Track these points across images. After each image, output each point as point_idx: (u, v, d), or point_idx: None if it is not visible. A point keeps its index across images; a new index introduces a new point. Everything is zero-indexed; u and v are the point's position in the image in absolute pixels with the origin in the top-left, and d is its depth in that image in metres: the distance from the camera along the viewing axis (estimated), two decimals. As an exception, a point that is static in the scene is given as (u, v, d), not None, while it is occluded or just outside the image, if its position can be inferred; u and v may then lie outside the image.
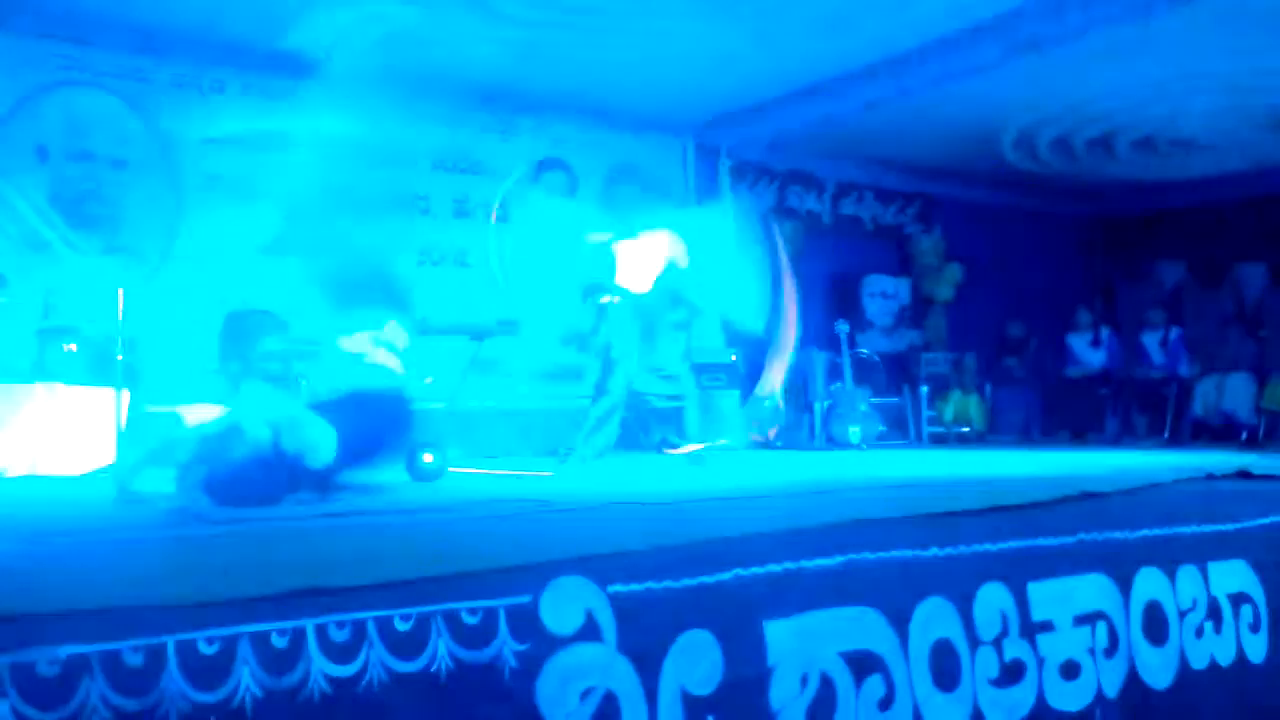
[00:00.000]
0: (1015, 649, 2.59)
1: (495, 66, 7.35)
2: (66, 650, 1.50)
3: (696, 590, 2.13)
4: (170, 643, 1.59)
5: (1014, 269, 10.27)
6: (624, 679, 1.98)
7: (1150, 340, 9.22)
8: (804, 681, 2.21)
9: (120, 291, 5.81)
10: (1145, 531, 3.04)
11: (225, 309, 6.84)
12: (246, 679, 1.63)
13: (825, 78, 7.64)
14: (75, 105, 6.53)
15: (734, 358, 7.99)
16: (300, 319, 6.95)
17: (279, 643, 1.67)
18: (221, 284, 6.89)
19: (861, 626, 2.35)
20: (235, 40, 6.78)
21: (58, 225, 6.39)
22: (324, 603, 1.73)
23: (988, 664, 2.53)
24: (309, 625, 1.69)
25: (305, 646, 1.68)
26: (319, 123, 7.08)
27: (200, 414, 3.98)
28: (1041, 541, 2.80)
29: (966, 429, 9.37)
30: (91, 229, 6.55)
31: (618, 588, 2.01)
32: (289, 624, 1.68)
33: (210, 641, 1.62)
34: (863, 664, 2.31)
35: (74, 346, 5.65)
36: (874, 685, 2.31)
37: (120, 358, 5.45)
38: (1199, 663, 2.98)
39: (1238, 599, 3.13)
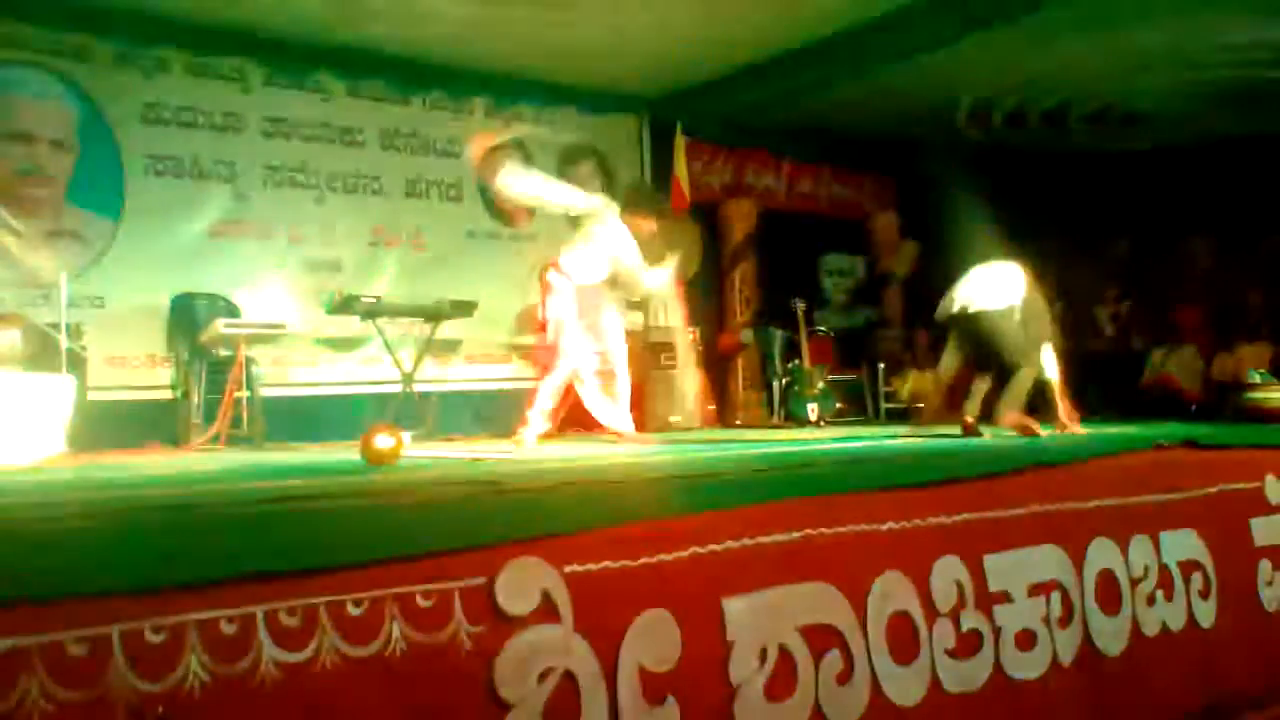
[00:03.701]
0: (972, 620, 2.62)
1: (445, 43, 7.26)
2: (3, 644, 1.46)
3: (654, 569, 2.12)
4: (115, 632, 1.55)
5: (969, 245, 10.33)
6: (582, 659, 1.96)
7: (1101, 313, 9.35)
8: (763, 656, 2.22)
9: (63, 276, 5.69)
10: (1097, 502, 3.07)
11: (174, 293, 6.72)
12: (195, 667, 1.60)
13: (781, 53, 7.63)
14: (12, 84, 6.36)
15: (693, 336, 8.00)
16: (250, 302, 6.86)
17: (228, 630, 1.63)
18: (169, 267, 6.76)
19: (819, 601, 2.35)
20: (179, 17, 6.63)
21: (-4, 209, 6.23)
22: (274, 588, 1.70)
23: (945, 635, 2.55)
24: (259, 611, 1.66)
25: (255, 633, 1.65)
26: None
27: None
28: (996, 514, 2.82)
29: (921, 405, 9.45)
30: (32, 213, 6.39)
31: (574, 567, 2.00)
32: (238, 611, 1.65)
33: (157, 630, 1.58)
34: (821, 638, 2.32)
35: (17, 333, 5.51)
36: (832, 659, 2.32)
37: (65, 344, 5.35)
38: (1151, 629, 3.03)
39: (1188, 566, 3.18)
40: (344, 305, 6.56)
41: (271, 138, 7.24)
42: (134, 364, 6.61)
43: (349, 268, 7.46)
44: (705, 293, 9.14)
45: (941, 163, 8.81)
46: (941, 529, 2.66)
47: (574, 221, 5.28)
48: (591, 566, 2.03)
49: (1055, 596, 2.82)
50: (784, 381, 8.60)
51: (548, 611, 1.94)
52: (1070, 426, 4.93)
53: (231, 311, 6.61)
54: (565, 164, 8.36)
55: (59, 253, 6.38)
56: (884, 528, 2.55)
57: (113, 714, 1.53)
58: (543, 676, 1.91)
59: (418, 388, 6.63)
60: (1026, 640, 2.72)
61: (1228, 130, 8.94)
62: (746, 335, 9.09)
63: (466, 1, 6.52)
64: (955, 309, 5.18)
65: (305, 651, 1.69)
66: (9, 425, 4.90)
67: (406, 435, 4.51)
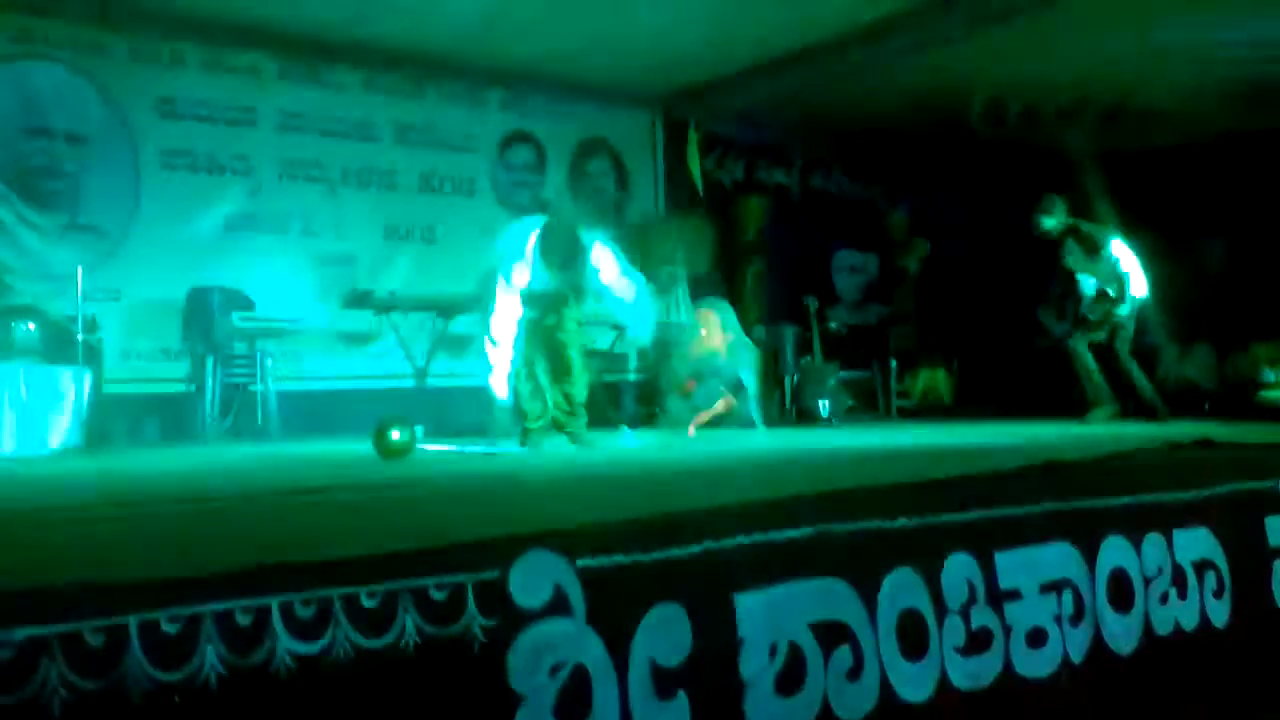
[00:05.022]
0: (982, 617, 2.61)
1: (460, 37, 7.26)
2: (23, 632, 1.47)
3: (666, 563, 2.12)
4: (132, 622, 1.56)
5: (982, 242, 10.31)
6: (594, 653, 1.97)
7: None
8: (773, 652, 2.22)
9: (79, 269, 5.73)
10: (1111, 500, 3.06)
11: (188, 286, 6.75)
12: (211, 658, 1.61)
13: (794, 50, 7.61)
14: (30, 79, 6.40)
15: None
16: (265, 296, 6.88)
17: (243, 621, 1.64)
18: (184, 261, 6.80)
19: (830, 597, 2.35)
20: (195, 12, 6.65)
21: (14, 203, 6.26)
22: (289, 580, 1.71)
23: (955, 633, 2.54)
24: (274, 603, 1.67)
25: (270, 624, 1.66)
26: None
27: None
28: (1008, 511, 2.81)
29: (933, 402, 9.43)
30: (49, 206, 6.44)
31: (586, 561, 2.00)
32: (253, 602, 1.66)
33: (173, 620, 1.59)
34: (831, 634, 2.31)
35: (33, 326, 5.55)
36: (843, 655, 2.32)
37: (81, 337, 5.38)
38: (1164, 629, 3.01)
39: (1202, 565, 3.16)
40: (358, 299, 6.59)
41: (286, 132, 7.27)
42: (149, 357, 6.65)
43: (363, 262, 7.49)
44: (717, 289, 9.13)
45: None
46: (953, 525, 2.66)
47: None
48: (604, 560, 2.03)
49: (1067, 594, 2.81)
50: (796, 378, 8.59)
51: (560, 605, 1.94)
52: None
53: (246, 305, 6.64)
54: (579, 159, 8.37)
55: (75, 246, 6.42)
56: (895, 524, 2.54)
57: (129, 704, 1.54)
58: (554, 670, 1.91)
59: (430, 382, 6.65)
60: (1037, 638, 2.71)
61: (1244, 126, 8.88)
62: (758, 332, 9.07)
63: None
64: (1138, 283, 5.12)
65: (319, 643, 1.69)
66: (26, 416, 4.95)
67: (419, 430, 4.53)
